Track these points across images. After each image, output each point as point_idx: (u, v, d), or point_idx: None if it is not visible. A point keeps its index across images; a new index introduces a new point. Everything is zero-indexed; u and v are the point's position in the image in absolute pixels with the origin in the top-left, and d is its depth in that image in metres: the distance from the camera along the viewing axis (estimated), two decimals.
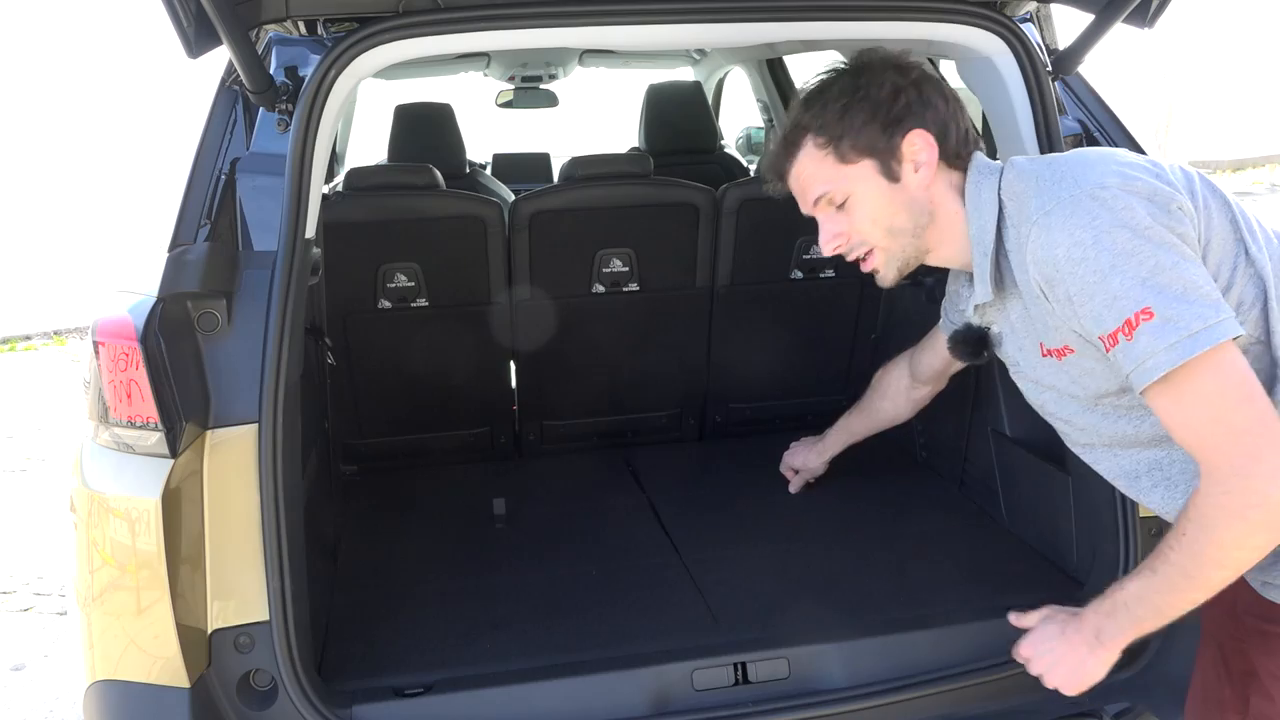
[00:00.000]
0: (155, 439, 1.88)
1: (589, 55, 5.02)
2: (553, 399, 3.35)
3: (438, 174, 3.14)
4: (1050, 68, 2.31)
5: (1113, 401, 1.60)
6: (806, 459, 2.81)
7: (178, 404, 1.88)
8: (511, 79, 5.28)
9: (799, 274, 3.28)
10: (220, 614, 1.95)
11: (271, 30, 2.27)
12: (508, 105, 5.50)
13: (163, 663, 1.90)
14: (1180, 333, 1.35)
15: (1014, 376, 1.80)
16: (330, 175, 3.77)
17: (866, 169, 1.64)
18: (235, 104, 2.18)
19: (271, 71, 2.12)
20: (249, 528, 1.93)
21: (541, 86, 5.37)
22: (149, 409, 1.87)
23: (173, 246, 2.00)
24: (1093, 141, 2.35)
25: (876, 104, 1.64)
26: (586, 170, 3.18)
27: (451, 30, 2.10)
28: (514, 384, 3.35)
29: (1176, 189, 1.47)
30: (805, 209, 1.76)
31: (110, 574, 1.93)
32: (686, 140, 4.71)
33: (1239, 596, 1.59)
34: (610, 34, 2.27)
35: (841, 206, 1.68)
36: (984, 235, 1.62)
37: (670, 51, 5.21)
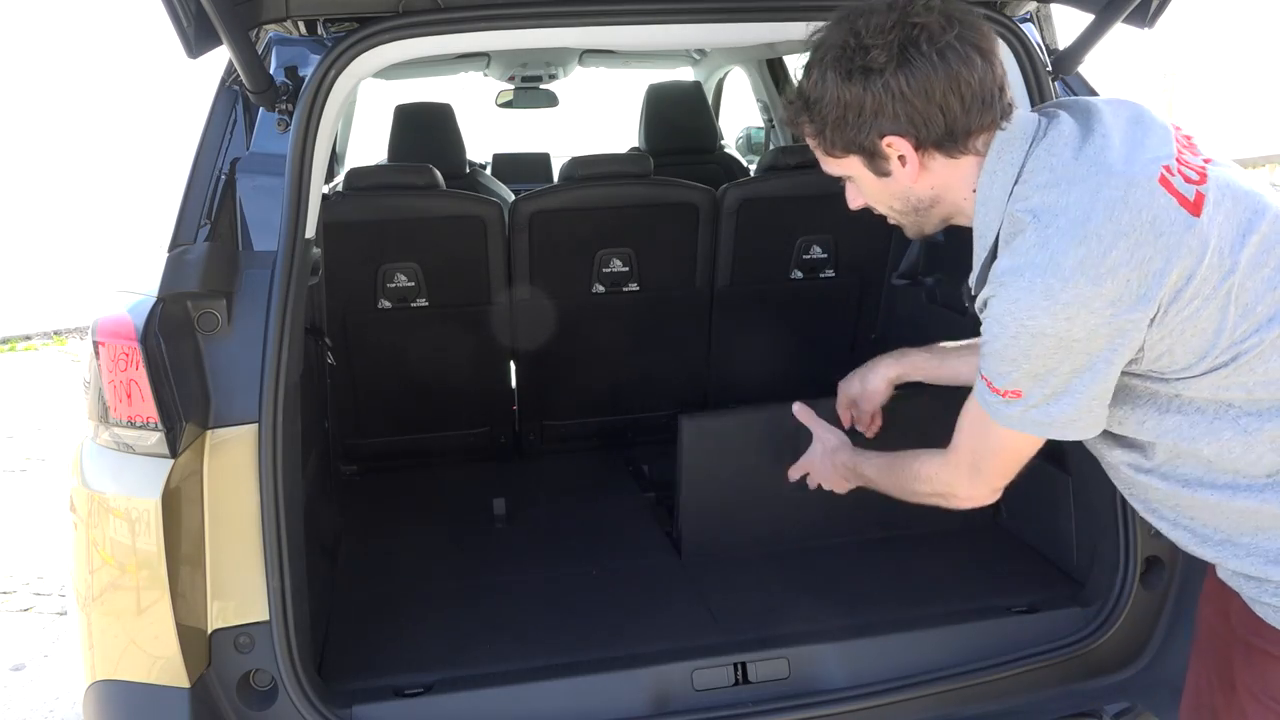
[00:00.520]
0: (155, 439, 1.87)
1: (589, 55, 5.02)
2: (553, 399, 3.35)
3: (438, 174, 3.14)
4: (1050, 68, 2.31)
5: None
6: (866, 381, 2.32)
7: (178, 404, 1.88)
8: (511, 79, 5.28)
9: (799, 274, 3.28)
10: (220, 614, 1.95)
11: (271, 30, 2.27)
12: (508, 105, 5.50)
13: (163, 663, 1.90)
14: (1026, 418, 1.51)
15: None
16: (330, 175, 3.77)
17: (855, 162, 1.60)
18: (235, 104, 2.18)
19: (271, 71, 2.12)
20: (249, 528, 1.93)
21: (541, 86, 5.37)
22: (149, 409, 1.87)
23: (173, 246, 2.00)
24: None
25: (843, 109, 1.53)
26: (586, 170, 3.18)
27: (451, 30, 2.10)
28: (514, 384, 3.35)
29: (1148, 292, 1.39)
30: None
31: (110, 574, 1.93)
32: (686, 140, 4.71)
33: (1232, 604, 1.59)
34: (610, 34, 2.27)
35: (851, 180, 1.66)
36: (986, 232, 1.57)
37: (670, 51, 5.21)
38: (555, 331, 3.17)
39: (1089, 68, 2.38)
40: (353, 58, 2.05)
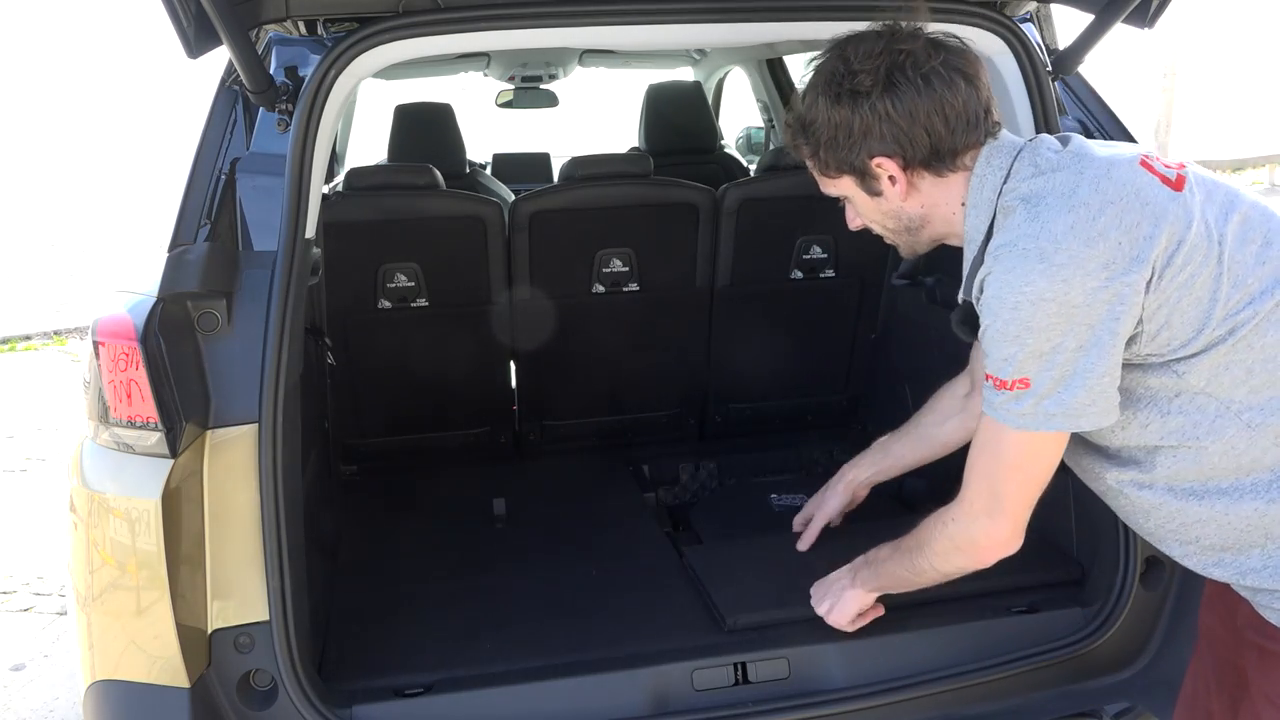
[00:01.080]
0: (155, 439, 1.88)
1: (589, 55, 5.02)
2: (553, 399, 3.35)
3: (438, 174, 3.14)
4: (1050, 68, 2.31)
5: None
6: (826, 498, 2.46)
7: (178, 404, 1.88)
8: (511, 79, 5.28)
9: (799, 274, 3.28)
10: (220, 614, 1.95)
11: (271, 30, 2.27)
12: (508, 105, 5.50)
13: (163, 663, 1.90)
14: (1039, 410, 1.49)
15: None
16: (330, 175, 3.77)
17: (848, 182, 1.68)
18: (235, 104, 2.18)
19: (271, 71, 2.12)
20: (249, 528, 1.93)
21: (541, 86, 5.37)
22: (149, 409, 1.87)
23: (173, 246, 2.00)
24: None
25: (834, 131, 1.61)
26: (586, 170, 3.18)
27: (451, 30, 2.10)
28: (514, 384, 3.35)
29: (1140, 255, 1.43)
30: None
31: (110, 574, 1.93)
32: (686, 140, 4.71)
33: (1239, 608, 1.58)
34: (610, 34, 2.27)
35: (848, 199, 1.74)
36: (976, 235, 1.62)
37: (670, 51, 5.21)
38: (555, 331, 3.17)
39: (1089, 68, 2.38)
40: (353, 58, 2.05)
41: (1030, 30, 2.32)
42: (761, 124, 5.43)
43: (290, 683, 1.92)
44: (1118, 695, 2.11)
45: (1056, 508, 2.40)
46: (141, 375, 1.86)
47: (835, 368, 3.45)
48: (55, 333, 7.81)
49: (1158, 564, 2.18)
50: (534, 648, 2.19)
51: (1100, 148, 1.57)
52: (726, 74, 5.56)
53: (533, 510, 2.96)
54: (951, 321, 1.86)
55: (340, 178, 3.77)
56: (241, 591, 1.95)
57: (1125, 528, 2.14)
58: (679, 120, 4.73)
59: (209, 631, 1.95)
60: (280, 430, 1.93)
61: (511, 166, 5.56)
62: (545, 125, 8.77)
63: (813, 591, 2.18)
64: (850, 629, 2.10)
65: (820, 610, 2.13)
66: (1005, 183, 1.57)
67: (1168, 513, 1.57)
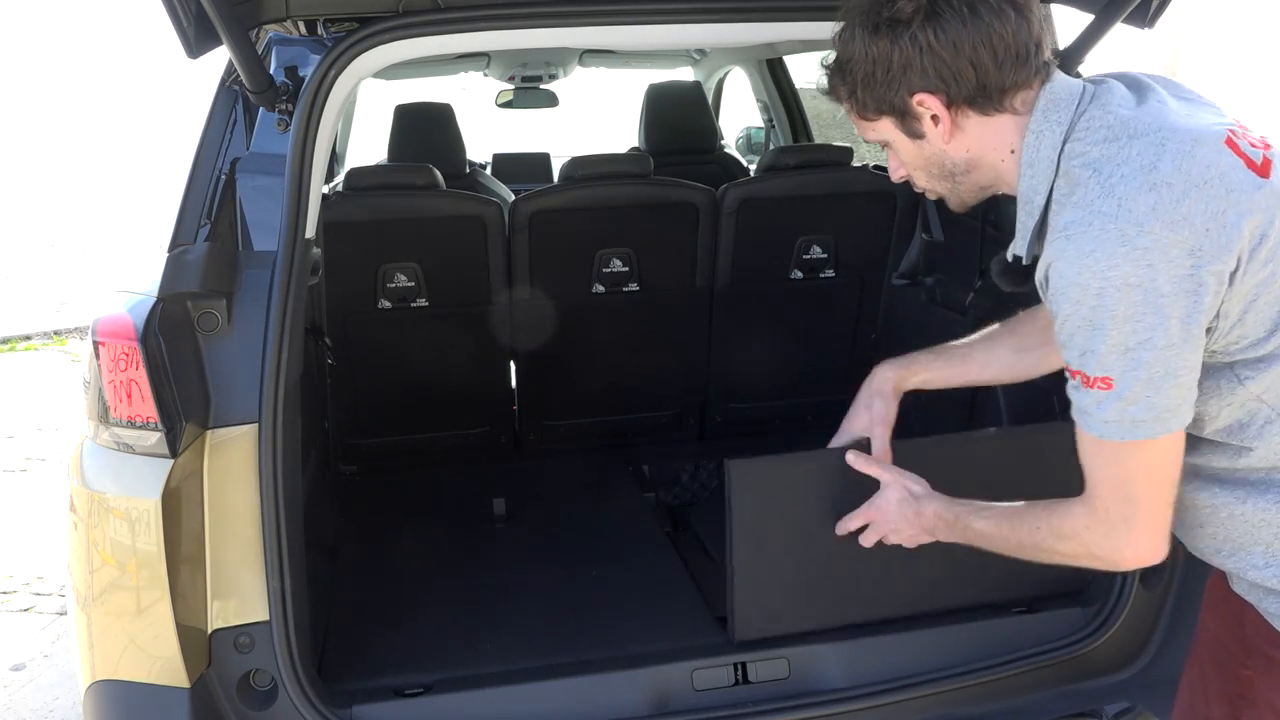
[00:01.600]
0: (155, 439, 1.87)
1: (589, 55, 5.02)
2: (553, 399, 3.35)
3: (438, 174, 3.14)
4: None
5: None
6: (871, 405, 2.05)
7: (178, 404, 1.88)
8: (511, 79, 5.28)
9: (799, 274, 3.28)
10: (220, 614, 1.95)
11: (271, 30, 2.27)
12: (508, 105, 5.50)
13: (163, 663, 1.90)
14: (1124, 416, 1.36)
15: None
16: (330, 175, 3.77)
17: (888, 124, 1.54)
18: (235, 104, 2.18)
19: (271, 71, 2.12)
20: (249, 528, 1.93)
21: (541, 86, 5.37)
22: (149, 409, 1.87)
23: (173, 246, 2.00)
24: None
25: (871, 66, 1.47)
26: (586, 170, 3.18)
27: (451, 30, 2.10)
28: (514, 384, 3.35)
29: (1227, 243, 1.32)
30: None
31: (110, 574, 1.93)
32: (686, 140, 4.71)
33: (1246, 615, 1.54)
34: (610, 34, 2.27)
35: (888, 145, 1.60)
36: (1033, 196, 1.48)
37: (670, 51, 5.21)
38: (555, 331, 3.17)
39: (1089, 68, 2.38)
40: (353, 58, 2.05)
41: None
42: (761, 124, 5.43)
43: (290, 683, 1.92)
44: (1118, 695, 2.11)
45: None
46: (141, 375, 1.86)
47: (835, 368, 3.45)
48: (55, 333, 7.81)
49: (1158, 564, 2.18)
50: (534, 648, 2.19)
51: (1183, 114, 1.42)
52: (726, 74, 5.55)
53: (533, 510, 2.96)
54: (991, 271, 1.72)
55: (340, 178, 3.77)
56: (241, 591, 1.95)
57: None
58: (679, 120, 4.73)
59: (209, 631, 1.95)
60: (280, 430, 1.93)
61: (511, 166, 5.56)
62: (545, 125, 8.77)
63: (846, 523, 1.94)
64: (917, 540, 1.86)
65: (871, 536, 1.90)
66: (1066, 142, 1.43)
67: (1180, 494, 1.49)
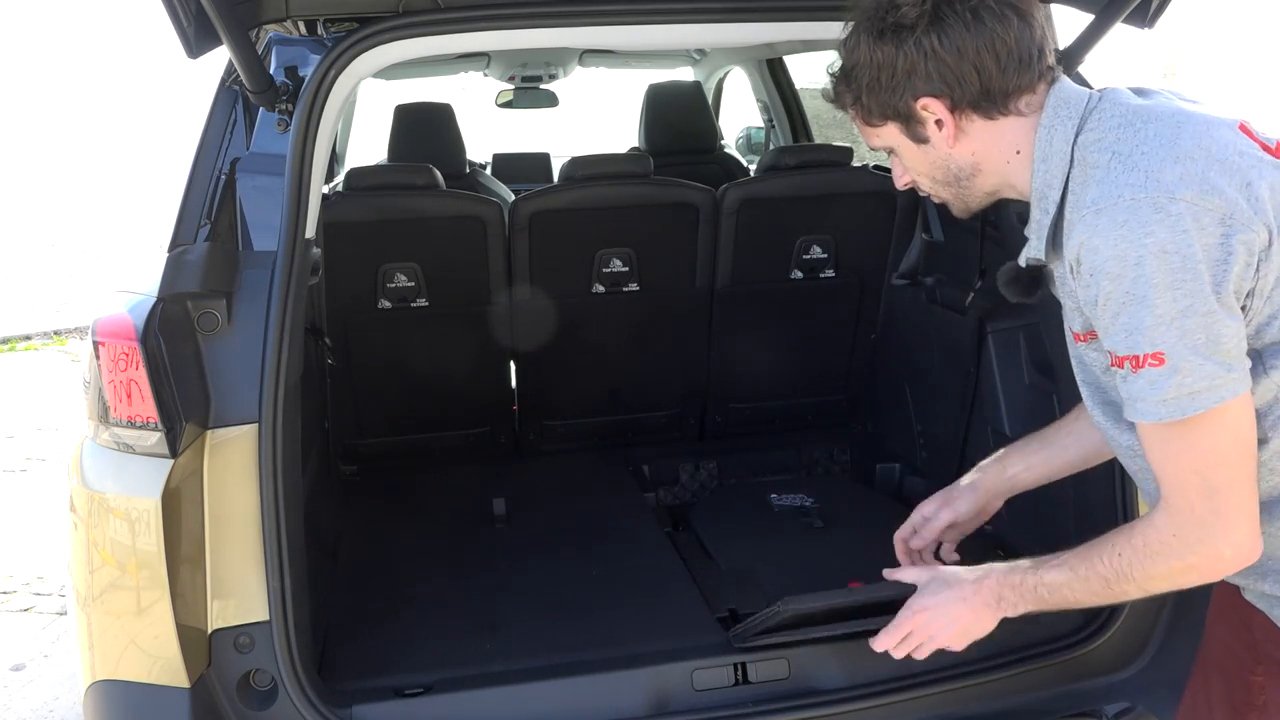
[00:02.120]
0: (155, 439, 1.87)
1: (589, 55, 5.02)
2: (553, 399, 3.35)
3: (438, 174, 3.14)
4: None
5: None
6: (955, 509, 1.97)
7: (178, 404, 1.88)
8: (511, 79, 5.28)
9: (799, 274, 3.28)
10: (220, 614, 1.95)
11: (271, 30, 2.27)
12: (508, 105, 5.50)
13: (163, 663, 1.90)
14: (1181, 389, 1.32)
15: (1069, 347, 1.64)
16: (330, 175, 3.77)
17: (893, 130, 1.55)
18: (235, 104, 2.18)
19: (271, 71, 2.12)
20: (249, 528, 1.93)
21: (541, 86, 5.37)
22: (149, 409, 1.87)
23: (173, 246, 2.00)
24: None
25: (877, 71, 1.49)
26: (586, 170, 3.18)
27: (451, 30, 2.10)
28: (514, 384, 3.35)
29: (1256, 214, 1.31)
30: None
31: (110, 574, 1.93)
32: (686, 140, 4.71)
33: (1254, 620, 1.53)
34: (610, 34, 2.27)
35: (893, 151, 1.61)
36: (1048, 191, 1.48)
37: (670, 51, 5.21)
38: (555, 331, 3.17)
39: (1089, 68, 2.38)
40: (353, 58, 2.05)
41: None
42: (761, 124, 5.43)
43: (290, 683, 1.92)
44: (1118, 695, 2.11)
45: (1057, 507, 2.40)
46: (141, 375, 1.86)
47: (835, 368, 3.45)
48: (55, 333, 7.81)
49: None
50: (534, 648, 2.19)
51: (1192, 106, 1.46)
52: (726, 74, 5.55)
53: (533, 510, 2.96)
54: (998, 282, 1.71)
55: (340, 178, 3.77)
56: (241, 591, 1.95)
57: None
58: (679, 120, 4.73)
59: (209, 631, 1.95)
60: (280, 430, 1.93)
61: (511, 166, 5.56)
62: (545, 125, 8.76)
63: (918, 609, 1.74)
64: (964, 644, 1.73)
65: (935, 639, 1.73)
66: (1079, 134, 1.44)
67: None
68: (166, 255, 1.97)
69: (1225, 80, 15.34)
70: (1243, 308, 1.34)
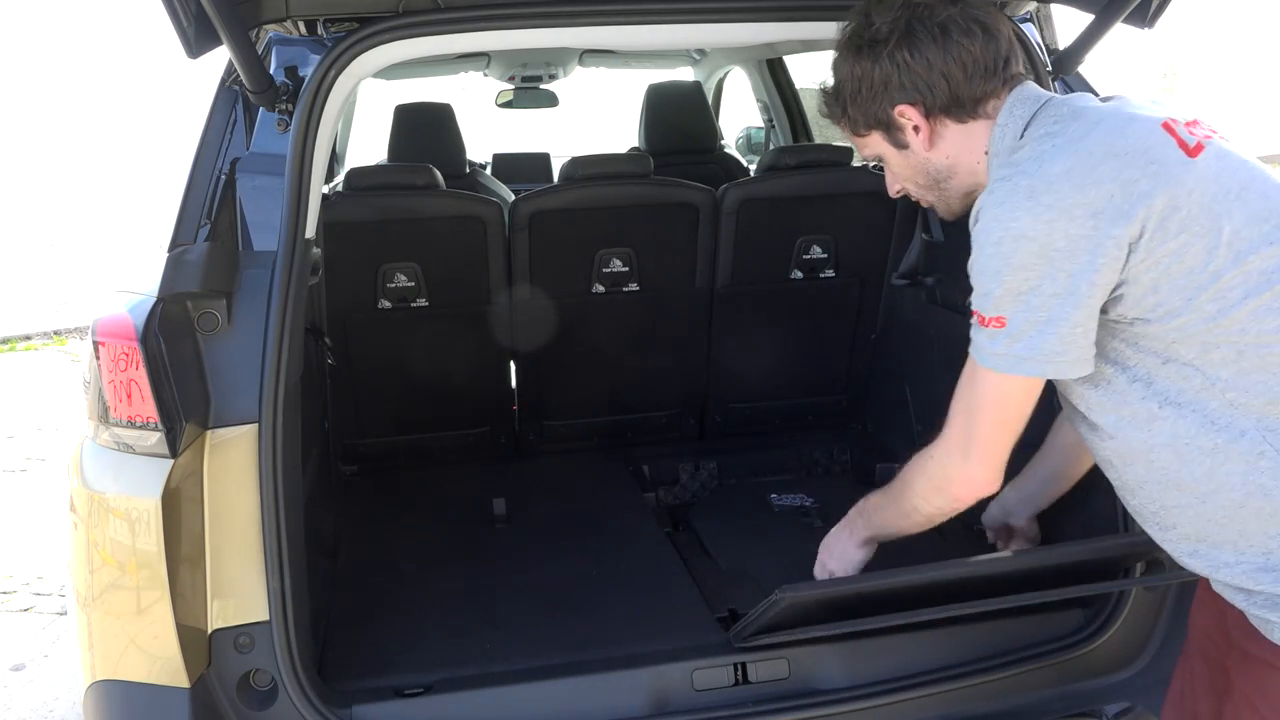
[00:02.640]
0: (155, 439, 1.88)
1: (589, 55, 5.02)
2: (553, 399, 3.35)
3: (438, 174, 3.14)
4: (1050, 67, 2.31)
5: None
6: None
7: (178, 404, 1.88)
8: (511, 79, 5.28)
9: (799, 274, 3.28)
10: (220, 614, 1.95)
11: (271, 30, 2.27)
12: (508, 105, 5.50)
13: (163, 663, 1.90)
14: (1010, 351, 1.52)
15: None
16: (330, 175, 3.77)
17: (878, 138, 1.71)
18: (235, 104, 2.18)
19: (271, 71, 2.12)
20: (249, 528, 1.93)
21: (541, 86, 5.37)
22: (149, 409, 1.87)
23: (173, 246, 1.99)
24: None
25: (857, 84, 1.67)
26: (586, 170, 3.18)
27: (451, 30, 2.10)
28: (514, 384, 3.35)
29: (1132, 209, 1.43)
30: None
31: (110, 574, 1.93)
32: (686, 140, 4.71)
33: (1227, 610, 1.57)
34: (610, 34, 2.27)
35: (882, 159, 1.77)
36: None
37: (670, 51, 5.21)
38: (555, 331, 3.17)
39: (1089, 68, 2.38)
40: (353, 58, 2.05)
41: (1030, 30, 2.32)
42: (761, 124, 5.43)
43: (290, 683, 1.93)
44: (1118, 695, 2.11)
45: (1056, 508, 2.40)
46: (141, 375, 1.86)
47: (835, 368, 3.45)
48: (55, 333, 7.81)
49: (1158, 565, 2.18)
50: (534, 648, 2.19)
51: (1132, 106, 1.58)
52: (726, 74, 5.56)
53: (533, 510, 2.96)
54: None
55: (340, 178, 3.77)
56: (241, 591, 1.95)
57: (1125, 529, 2.14)
58: (679, 120, 4.73)
59: (209, 631, 1.95)
60: (280, 430, 1.93)
61: (511, 166, 5.56)
62: (545, 125, 8.76)
63: (819, 555, 2.17)
64: (843, 570, 2.10)
65: (828, 569, 2.12)
66: (1027, 129, 1.58)
67: (1149, 493, 1.57)
68: (166, 255, 1.97)
69: (1225, 80, 15.34)
70: (1120, 296, 1.47)
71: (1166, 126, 1.50)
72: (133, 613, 1.92)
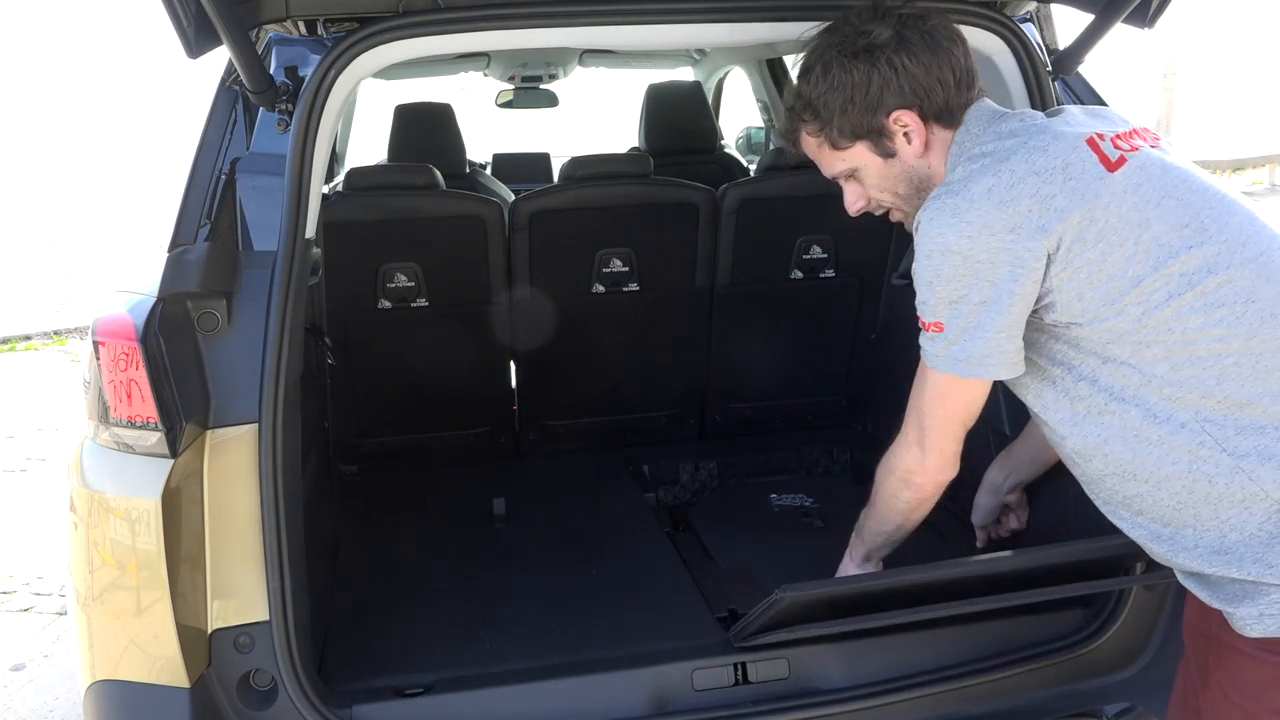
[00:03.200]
0: (155, 439, 1.88)
1: (589, 55, 5.02)
2: (553, 399, 3.35)
3: (437, 174, 3.14)
4: (1050, 67, 2.31)
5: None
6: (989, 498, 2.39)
7: (178, 404, 1.88)
8: (511, 79, 5.28)
9: (799, 274, 3.28)
10: (220, 614, 1.95)
11: (271, 30, 2.27)
12: (508, 105, 5.50)
13: (163, 662, 1.90)
14: (948, 353, 1.63)
15: None
16: (330, 175, 3.77)
17: (860, 149, 1.73)
18: (235, 104, 2.18)
19: (271, 71, 2.12)
20: (249, 528, 1.93)
21: (541, 86, 5.37)
22: (149, 409, 1.87)
23: (173, 246, 2.00)
24: None
25: (851, 91, 1.67)
26: (586, 170, 3.18)
27: (451, 30, 2.10)
28: (514, 384, 3.35)
29: (1049, 224, 1.51)
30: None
31: (110, 574, 1.93)
32: (686, 140, 4.71)
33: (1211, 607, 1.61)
34: (610, 34, 2.27)
35: (853, 175, 1.78)
36: None
37: (670, 51, 5.21)
38: (555, 331, 3.17)
39: (1089, 68, 2.38)
40: (353, 58, 2.05)
41: (1030, 30, 2.32)
42: (761, 124, 5.43)
43: (290, 683, 1.93)
44: (1118, 695, 2.11)
45: (1056, 507, 2.40)
46: (141, 375, 1.86)
47: (835, 368, 3.45)
48: (55, 333, 7.81)
49: (1157, 564, 2.18)
50: (534, 648, 2.19)
51: (1062, 122, 1.65)
52: (726, 74, 5.55)
53: (533, 510, 2.96)
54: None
55: (340, 178, 3.77)
56: (241, 591, 1.95)
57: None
58: (679, 120, 4.73)
59: (209, 631, 1.95)
60: (280, 430, 1.94)
61: (511, 166, 5.56)
62: (545, 125, 8.77)
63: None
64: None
65: None
66: (975, 145, 1.65)
67: (1112, 485, 1.63)
68: (166, 255, 1.97)
69: (1225, 80, 15.34)
70: (1051, 303, 1.56)
71: (1090, 143, 1.58)
72: (133, 613, 1.92)
